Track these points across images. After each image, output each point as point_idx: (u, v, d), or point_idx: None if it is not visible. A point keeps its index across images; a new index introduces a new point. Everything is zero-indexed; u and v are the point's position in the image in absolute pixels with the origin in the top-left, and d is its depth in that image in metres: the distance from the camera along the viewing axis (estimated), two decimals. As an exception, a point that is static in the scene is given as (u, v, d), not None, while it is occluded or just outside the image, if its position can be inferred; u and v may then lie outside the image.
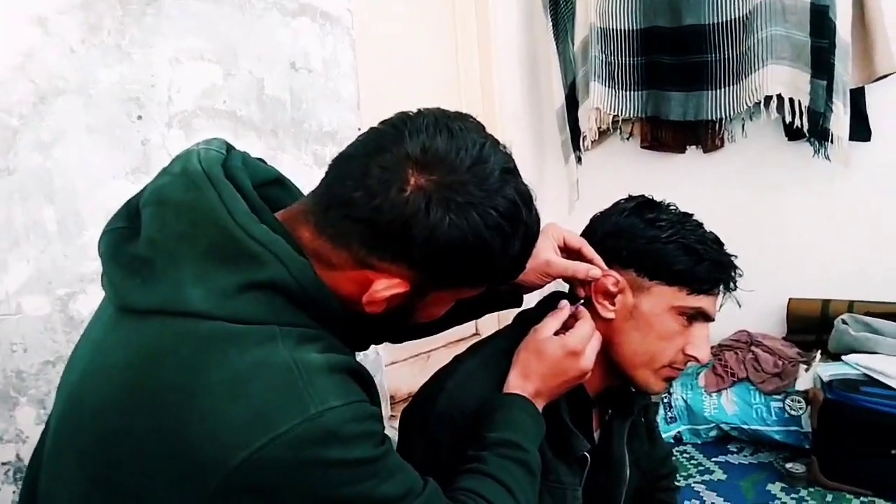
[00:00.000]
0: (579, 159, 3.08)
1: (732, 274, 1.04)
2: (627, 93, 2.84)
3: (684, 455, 2.72)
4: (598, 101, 2.82)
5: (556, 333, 1.01)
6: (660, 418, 2.79)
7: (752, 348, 2.69)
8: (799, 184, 2.74)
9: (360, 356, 0.92)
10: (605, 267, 1.03)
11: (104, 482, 0.72)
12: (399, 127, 0.76)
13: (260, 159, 0.89)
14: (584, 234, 1.09)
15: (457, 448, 0.95)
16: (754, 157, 2.81)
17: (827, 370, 2.39)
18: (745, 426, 2.63)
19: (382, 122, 0.79)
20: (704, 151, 2.87)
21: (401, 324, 0.87)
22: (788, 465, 2.45)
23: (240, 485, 0.67)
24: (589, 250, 1.05)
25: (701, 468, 2.62)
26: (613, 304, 1.04)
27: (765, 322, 2.82)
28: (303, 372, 0.70)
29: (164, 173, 0.79)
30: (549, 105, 3.16)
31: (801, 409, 2.50)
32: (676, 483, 1.48)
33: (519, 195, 0.77)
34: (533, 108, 3.22)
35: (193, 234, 0.73)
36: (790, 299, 2.79)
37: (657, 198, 1.10)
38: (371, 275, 0.76)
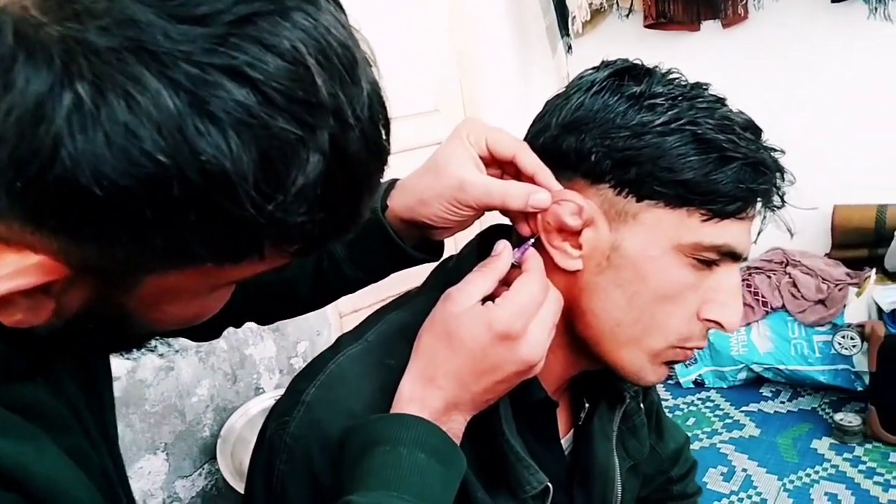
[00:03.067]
0: (569, 47, 2.88)
1: (777, 182, 0.68)
2: (623, -45, 2.58)
3: (707, 404, 2.40)
4: (587, -32, 2.63)
5: (488, 299, 0.65)
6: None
7: (789, 270, 2.41)
8: (848, 57, 2.43)
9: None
10: (557, 185, 0.68)
11: None
12: None
13: None
14: (534, 134, 0.72)
15: None
16: (788, 26, 2.52)
17: (886, 295, 2.15)
18: (782, 366, 2.35)
19: None
20: (724, 25, 2.62)
21: (120, 336, 0.50)
22: (839, 417, 2.15)
23: None
24: (528, 159, 0.67)
25: (728, 421, 2.29)
26: (578, 246, 0.69)
27: (804, 237, 2.50)
28: None
29: None
30: (528, -19, 2.93)
31: (855, 346, 2.16)
32: (696, 487, 1.11)
33: (312, 45, 0.37)
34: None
35: None
36: (836, 207, 2.49)
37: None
38: None
